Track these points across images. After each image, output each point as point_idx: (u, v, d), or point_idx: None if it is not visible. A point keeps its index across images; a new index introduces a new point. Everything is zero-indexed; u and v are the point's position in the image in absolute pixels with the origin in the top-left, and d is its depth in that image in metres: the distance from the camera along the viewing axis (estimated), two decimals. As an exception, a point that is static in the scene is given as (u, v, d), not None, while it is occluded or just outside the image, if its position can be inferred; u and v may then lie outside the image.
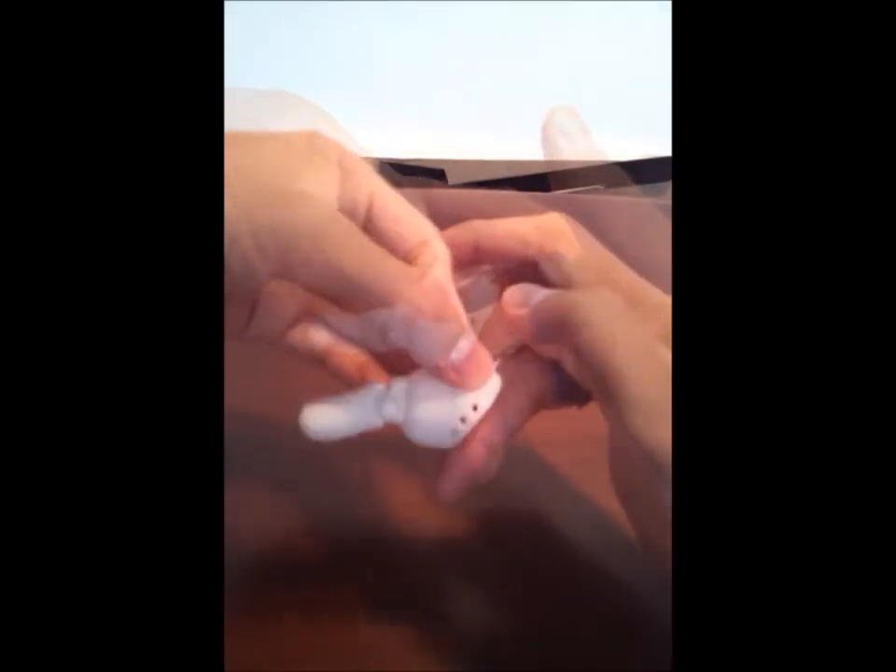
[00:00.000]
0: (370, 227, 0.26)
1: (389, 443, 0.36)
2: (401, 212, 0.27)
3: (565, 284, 0.26)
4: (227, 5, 0.24)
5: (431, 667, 0.27)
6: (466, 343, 0.24)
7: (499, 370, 0.26)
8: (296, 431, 0.37)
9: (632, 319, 0.23)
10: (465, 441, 0.26)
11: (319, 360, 0.29)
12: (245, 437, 0.36)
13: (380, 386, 0.26)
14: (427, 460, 0.35)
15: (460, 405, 0.25)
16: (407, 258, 0.26)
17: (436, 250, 0.27)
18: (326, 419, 0.25)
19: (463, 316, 0.25)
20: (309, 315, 0.29)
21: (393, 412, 0.25)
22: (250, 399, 0.39)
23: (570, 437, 0.32)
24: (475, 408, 0.25)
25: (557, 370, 0.25)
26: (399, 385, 0.25)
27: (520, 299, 0.26)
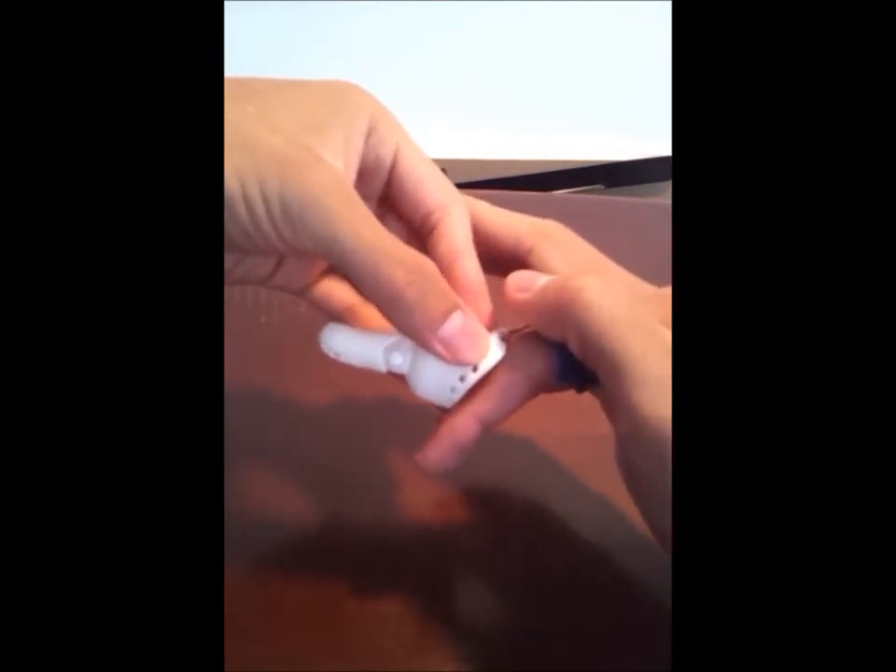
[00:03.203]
0: (392, 183, 0.27)
1: (395, 438, 0.36)
2: (424, 172, 0.27)
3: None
4: (227, 5, 0.24)
5: (432, 667, 0.27)
6: (458, 318, 0.24)
7: (504, 344, 0.26)
8: (298, 427, 0.37)
9: (631, 301, 0.23)
10: (457, 414, 0.26)
11: (340, 320, 0.29)
12: (244, 436, 0.36)
13: (394, 338, 0.26)
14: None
15: (461, 365, 0.25)
16: (426, 220, 0.27)
17: (452, 215, 0.27)
18: (340, 340, 0.26)
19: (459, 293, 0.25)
20: (333, 272, 0.29)
21: (399, 363, 0.26)
22: (251, 399, 0.39)
23: (577, 435, 0.32)
24: (475, 369, 0.25)
25: (560, 350, 0.25)
26: (409, 340, 0.26)
27: (523, 283, 0.26)
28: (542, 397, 0.27)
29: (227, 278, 0.27)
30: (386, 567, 0.30)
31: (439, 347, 0.24)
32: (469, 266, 0.26)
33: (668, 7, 0.22)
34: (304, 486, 0.34)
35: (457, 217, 0.27)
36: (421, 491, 0.34)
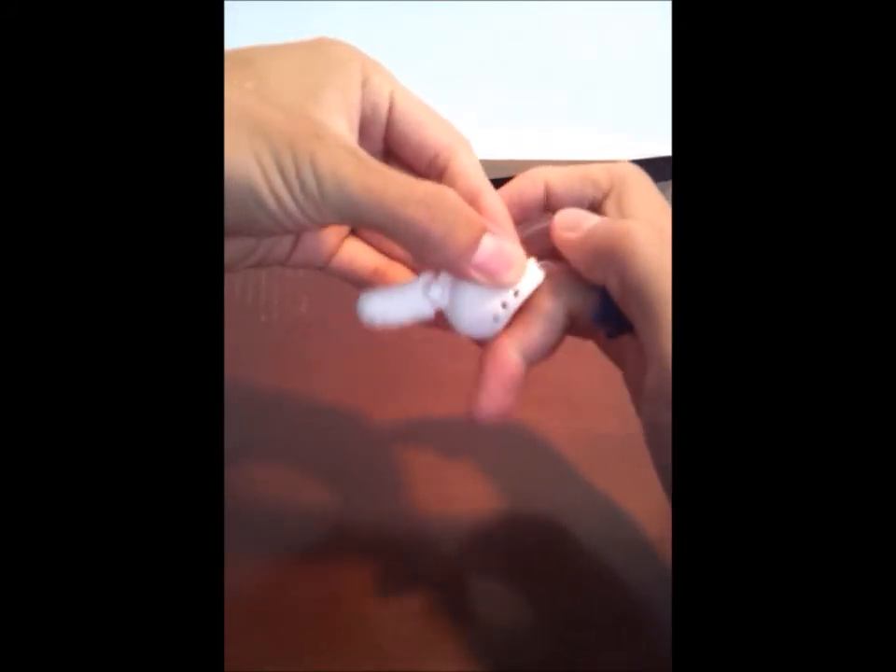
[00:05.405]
0: (392, 131, 0.26)
1: (396, 437, 0.36)
2: (423, 116, 0.26)
3: None
4: (227, 4, 0.24)
5: (432, 667, 0.27)
6: (489, 242, 0.24)
7: (544, 272, 0.26)
8: (297, 426, 0.37)
9: None
10: (498, 351, 0.25)
11: (367, 285, 0.28)
12: (244, 436, 0.36)
13: (428, 276, 0.26)
14: (436, 454, 0.35)
15: (501, 290, 0.25)
16: (433, 164, 0.26)
17: (461, 153, 0.26)
18: (379, 305, 0.26)
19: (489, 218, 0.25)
20: (353, 237, 0.29)
21: (438, 296, 0.26)
22: (252, 394, 0.39)
23: (587, 432, 0.32)
24: (516, 293, 0.25)
25: (599, 290, 0.25)
26: (446, 273, 0.26)
27: (571, 221, 0.26)
28: (552, 393, 0.27)
29: (247, 262, 0.26)
30: (386, 568, 0.30)
31: (476, 274, 0.24)
32: (491, 199, 0.26)
33: (668, 6, 0.22)
34: (304, 486, 0.34)
35: (466, 155, 0.26)
36: (420, 491, 0.34)
